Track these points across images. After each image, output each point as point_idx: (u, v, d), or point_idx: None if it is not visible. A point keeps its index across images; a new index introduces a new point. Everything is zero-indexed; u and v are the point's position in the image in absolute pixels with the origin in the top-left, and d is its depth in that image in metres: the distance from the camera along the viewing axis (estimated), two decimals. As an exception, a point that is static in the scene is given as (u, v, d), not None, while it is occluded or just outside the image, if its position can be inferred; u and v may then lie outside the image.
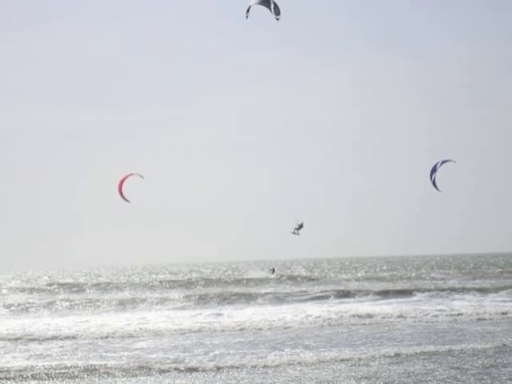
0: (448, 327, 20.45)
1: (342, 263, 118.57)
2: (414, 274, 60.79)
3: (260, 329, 21.06)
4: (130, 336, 19.64)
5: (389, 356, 14.11)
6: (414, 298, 33.12)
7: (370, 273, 69.16)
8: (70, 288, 47.51)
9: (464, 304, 29.17)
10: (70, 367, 13.28)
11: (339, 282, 50.76)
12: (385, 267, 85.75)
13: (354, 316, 23.98)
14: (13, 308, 31.07)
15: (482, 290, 36.32)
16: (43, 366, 13.55)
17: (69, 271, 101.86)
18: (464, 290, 35.89)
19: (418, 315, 24.15)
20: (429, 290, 36.45)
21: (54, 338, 19.35)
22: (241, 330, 20.95)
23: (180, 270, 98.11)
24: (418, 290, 36.26)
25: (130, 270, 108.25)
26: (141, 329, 21.21)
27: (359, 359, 13.83)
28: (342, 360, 13.80)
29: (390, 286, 42.44)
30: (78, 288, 47.79)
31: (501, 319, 22.58)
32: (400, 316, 23.90)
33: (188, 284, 50.48)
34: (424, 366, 12.63)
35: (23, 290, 45.76)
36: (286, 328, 21.23)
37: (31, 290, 45.77)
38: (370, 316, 23.98)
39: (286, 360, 14.08)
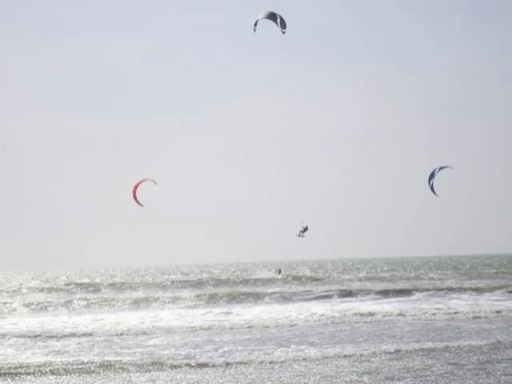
0: (445, 325, 20.38)
1: (344, 264, 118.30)
2: (413, 275, 60.47)
3: (267, 326, 21.07)
4: (144, 333, 19.67)
5: (389, 352, 14.11)
6: (413, 297, 33.01)
7: (371, 273, 68.83)
8: (86, 288, 47.54)
9: (461, 303, 29.09)
10: (87, 363, 13.34)
11: (342, 282, 50.50)
12: (385, 268, 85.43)
13: (356, 314, 23.99)
14: (32, 307, 31.16)
15: (478, 290, 36.21)
16: (61, 361, 13.61)
17: (85, 272, 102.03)
18: (461, 290, 35.81)
19: (417, 313, 24.09)
20: (427, 290, 36.35)
21: (72, 335, 19.42)
22: (249, 327, 20.98)
23: (191, 270, 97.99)
24: (417, 290, 36.16)
25: (143, 270, 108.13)
26: (154, 326, 21.25)
27: (361, 355, 13.82)
28: (345, 356, 13.78)
29: (390, 286, 42.31)
30: (94, 288, 47.80)
31: (495, 317, 22.50)
32: (400, 314, 23.90)
33: (198, 284, 50.35)
34: (423, 362, 12.62)
35: (42, 290, 45.87)
36: (291, 326, 21.20)
37: (50, 290, 45.85)
38: (371, 314, 23.97)
39: (291, 356, 14.09)
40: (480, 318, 22.33)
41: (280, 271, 59.13)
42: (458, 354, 13.48)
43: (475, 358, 12.89)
